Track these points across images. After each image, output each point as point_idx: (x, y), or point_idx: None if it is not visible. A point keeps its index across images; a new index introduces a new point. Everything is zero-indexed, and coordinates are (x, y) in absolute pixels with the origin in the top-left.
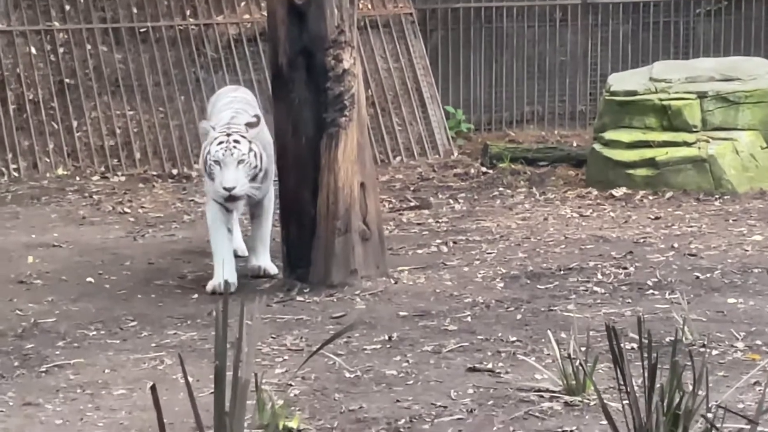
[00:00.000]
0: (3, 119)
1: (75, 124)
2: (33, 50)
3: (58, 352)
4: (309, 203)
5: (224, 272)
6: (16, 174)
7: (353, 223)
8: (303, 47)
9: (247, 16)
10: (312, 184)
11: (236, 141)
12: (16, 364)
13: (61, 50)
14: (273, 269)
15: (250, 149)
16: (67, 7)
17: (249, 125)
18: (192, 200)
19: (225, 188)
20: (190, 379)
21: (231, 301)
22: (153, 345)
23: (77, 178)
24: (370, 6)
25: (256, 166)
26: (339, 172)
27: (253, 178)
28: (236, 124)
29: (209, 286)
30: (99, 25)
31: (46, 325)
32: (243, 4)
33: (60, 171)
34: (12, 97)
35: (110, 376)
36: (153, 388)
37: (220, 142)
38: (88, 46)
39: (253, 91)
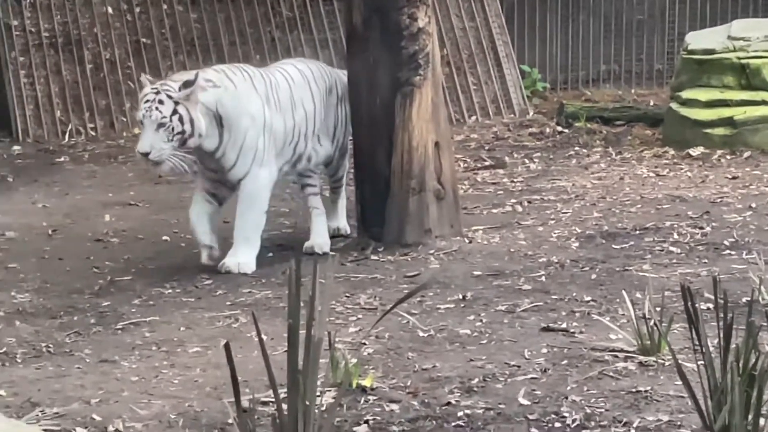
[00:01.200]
0: (80, 78)
1: None
2: (110, 10)
3: (134, 310)
4: (383, 162)
5: (205, 254)
6: (93, 133)
7: (427, 183)
8: (377, 6)
9: None
10: (386, 144)
11: (160, 101)
12: (92, 321)
13: (137, 10)
14: (250, 268)
15: (175, 112)
16: None
17: (185, 84)
18: None
19: (139, 152)
20: (264, 337)
21: (304, 259)
22: (228, 303)
23: None
24: None
25: (182, 131)
26: (413, 132)
27: (183, 143)
28: (176, 81)
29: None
30: None
31: (122, 283)
32: None
33: (136, 130)
34: (89, 56)
35: (185, 334)
36: (227, 346)
37: (147, 101)
38: (164, 6)
39: (326, 54)
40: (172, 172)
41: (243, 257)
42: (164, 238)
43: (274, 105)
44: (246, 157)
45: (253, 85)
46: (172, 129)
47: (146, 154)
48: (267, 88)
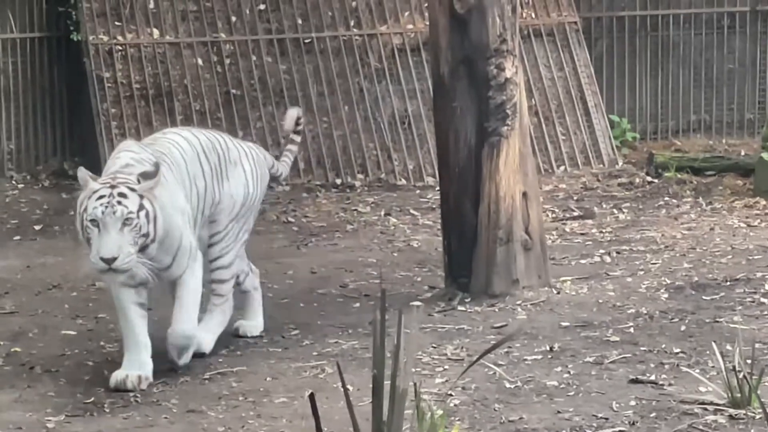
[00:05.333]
0: None
1: (240, 134)
2: (200, 61)
3: (221, 360)
4: (470, 213)
5: (137, 362)
6: None
7: (515, 233)
8: (465, 56)
9: (410, 26)
10: (473, 194)
11: (121, 194)
12: (180, 371)
13: (227, 61)
14: (200, 347)
15: (141, 207)
16: (233, 19)
17: (143, 176)
18: (355, 210)
19: (103, 259)
20: (350, 387)
21: (391, 310)
22: (314, 354)
23: None
24: (534, 15)
25: (146, 234)
26: (501, 182)
27: (143, 249)
28: (126, 173)
29: (113, 379)
30: (264, 37)
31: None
32: (407, 14)
33: None
34: (179, 107)
35: (271, 384)
36: (311, 396)
37: (100, 196)
38: (254, 57)
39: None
40: (132, 281)
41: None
42: None
43: (186, 188)
44: (182, 254)
45: (171, 171)
46: (139, 228)
47: (111, 261)
48: (175, 169)
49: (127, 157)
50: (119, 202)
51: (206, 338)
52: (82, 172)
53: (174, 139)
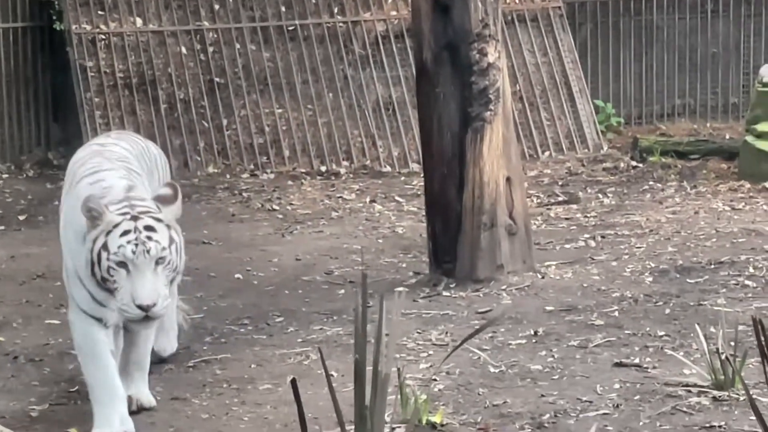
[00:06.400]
0: (154, 118)
1: (225, 122)
2: (183, 50)
3: (205, 348)
4: (454, 198)
5: (116, 417)
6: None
7: (499, 218)
8: (447, 42)
9: (394, 13)
10: (457, 179)
11: (149, 228)
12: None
13: (210, 49)
14: (149, 401)
15: (171, 240)
16: (217, 7)
17: (162, 200)
18: (340, 197)
19: (140, 306)
20: (334, 374)
21: (374, 296)
22: (299, 340)
23: (227, 176)
24: (518, 0)
25: (175, 268)
26: (484, 167)
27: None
28: (140, 198)
29: None
30: (248, 24)
31: (194, 321)
32: (390, 0)
33: (210, 169)
34: (163, 96)
35: (256, 371)
36: (293, 382)
37: (125, 232)
38: (237, 45)
39: (398, 91)
40: (108, 323)
41: (146, 389)
42: (237, 276)
43: None
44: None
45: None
46: (172, 265)
47: (150, 307)
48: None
49: (115, 177)
50: (149, 238)
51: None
52: (94, 200)
53: (122, 146)
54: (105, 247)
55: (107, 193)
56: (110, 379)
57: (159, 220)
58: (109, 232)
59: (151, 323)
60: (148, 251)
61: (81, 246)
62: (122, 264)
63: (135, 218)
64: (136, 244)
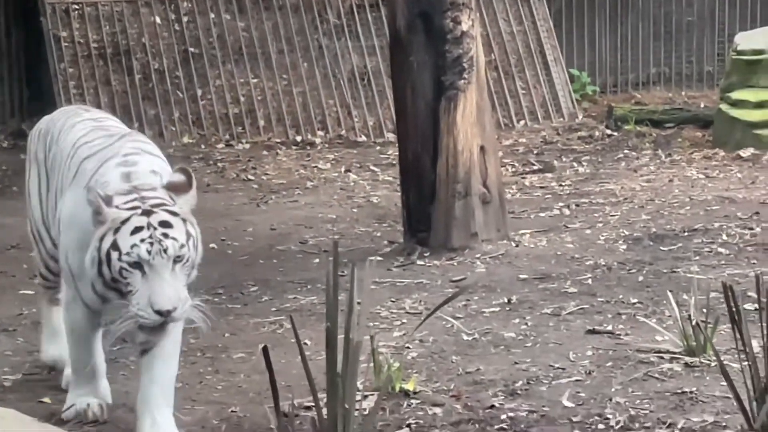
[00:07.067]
0: (129, 88)
1: (200, 92)
2: (157, 20)
3: None
4: (428, 167)
5: (95, 388)
6: None
7: (473, 187)
8: (421, 10)
9: None
10: (431, 148)
11: (164, 224)
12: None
13: (185, 19)
14: None
15: (188, 235)
16: None
17: (175, 188)
18: (315, 166)
19: (159, 312)
20: (308, 342)
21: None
22: (273, 309)
23: (202, 146)
24: None
25: (193, 264)
26: (458, 136)
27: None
28: (150, 187)
29: (70, 412)
30: None
31: None
32: None
33: (185, 139)
34: (137, 66)
35: (230, 340)
36: (265, 350)
37: (137, 229)
38: (212, 15)
39: (373, 61)
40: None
41: (170, 421)
42: (211, 245)
43: None
44: None
45: None
46: (190, 262)
47: (170, 312)
48: None
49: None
50: (165, 236)
51: None
52: (93, 194)
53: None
54: (115, 246)
55: (108, 182)
56: (93, 356)
57: (174, 213)
58: (116, 230)
59: (165, 331)
60: (165, 251)
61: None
62: (136, 265)
63: (147, 213)
64: (151, 243)
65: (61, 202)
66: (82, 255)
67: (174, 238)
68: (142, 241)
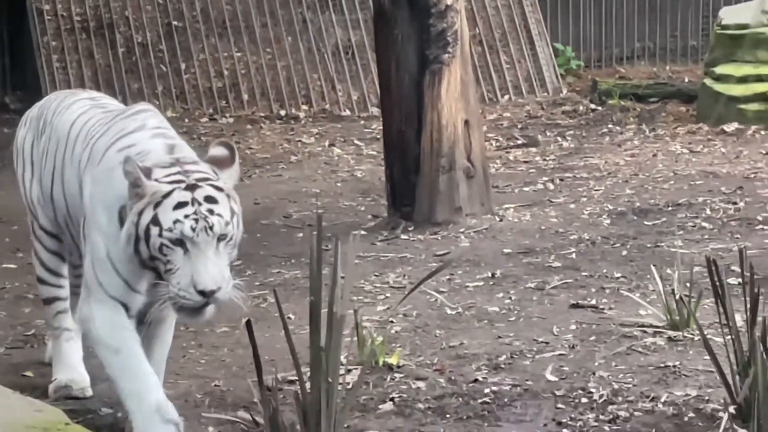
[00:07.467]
0: (112, 62)
1: (183, 66)
2: None
3: None
4: (413, 141)
5: (157, 418)
6: None
7: (457, 161)
8: None
9: None
10: (415, 122)
11: (210, 199)
12: None
13: None
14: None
15: (233, 212)
16: None
17: (218, 162)
18: (299, 141)
19: (203, 292)
20: (291, 316)
21: (329, 239)
22: (257, 284)
23: (186, 120)
24: None
25: (236, 244)
26: (442, 110)
27: None
28: (192, 160)
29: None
30: None
31: None
32: None
33: (169, 113)
34: (121, 39)
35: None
36: (248, 324)
37: (180, 204)
38: None
39: (357, 35)
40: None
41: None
42: None
43: None
44: None
45: None
46: (234, 241)
47: (214, 292)
48: None
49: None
50: (211, 212)
51: None
52: (131, 162)
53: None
54: (155, 221)
55: (148, 154)
56: (141, 365)
57: (219, 189)
58: (157, 204)
59: (205, 313)
60: (210, 227)
61: (113, 227)
62: (179, 242)
63: (191, 188)
64: (196, 219)
65: (84, 185)
66: (108, 237)
67: (219, 215)
68: (186, 216)
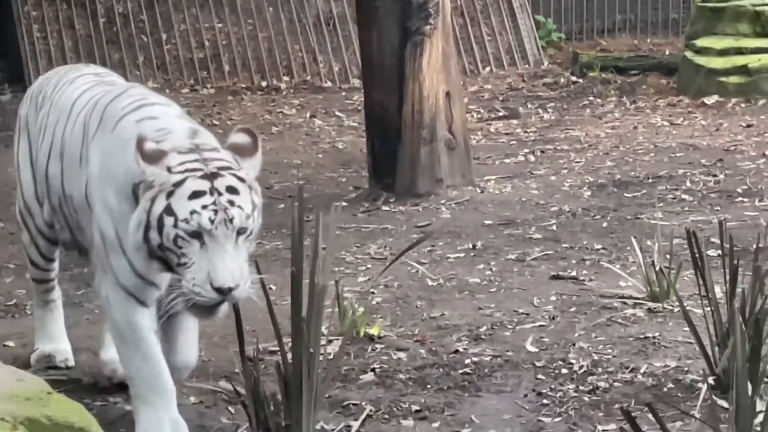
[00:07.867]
0: (93, 33)
1: (164, 36)
2: None
3: None
4: (394, 113)
5: (166, 422)
6: None
7: (439, 133)
8: None
9: None
10: (397, 94)
11: (231, 190)
12: None
13: None
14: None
15: (254, 205)
16: None
17: (240, 150)
18: (281, 112)
19: (219, 289)
20: (273, 287)
21: (311, 210)
22: None
23: (167, 91)
24: None
25: (254, 238)
26: (424, 81)
27: None
28: (211, 146)
29: None
30: None
31: None
32: None
33: (150, 84)
34: (102, 10)
35: None
36: None
37: (197, 193)
38: None
39: (339, 6)
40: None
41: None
42: None
43: None
44: None
45: None
46: (253, 235)
47: (232, 289)
48: None
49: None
50: (231, 203)
51: None
52: (150, 145)
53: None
54: (169, 210)
55: (167, 138)
56: (157, 371)
57: (241, 179)
58: (172, 194)
59: (219, 312)
60: (230, 220)
61: (126, 206)
62: (195, 234)
63: (210, 176)
64: (215, 211)
65: (91, 155)
66: (121, 216)
67: (240, 207)
68: (204, 207)
